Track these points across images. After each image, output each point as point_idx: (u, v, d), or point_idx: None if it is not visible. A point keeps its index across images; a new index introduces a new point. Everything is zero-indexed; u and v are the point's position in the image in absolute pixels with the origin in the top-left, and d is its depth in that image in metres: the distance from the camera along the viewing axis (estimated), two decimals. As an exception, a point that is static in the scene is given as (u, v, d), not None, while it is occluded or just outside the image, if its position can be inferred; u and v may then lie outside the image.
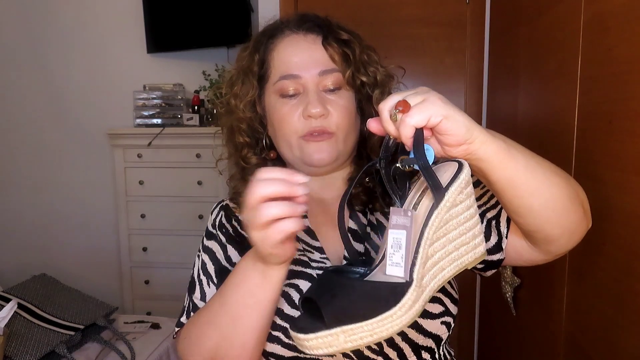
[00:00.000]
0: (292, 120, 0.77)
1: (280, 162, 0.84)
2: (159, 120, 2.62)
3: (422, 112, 0.51)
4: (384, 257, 0.54)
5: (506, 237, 0.72)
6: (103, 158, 2.86)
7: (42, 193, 2.98)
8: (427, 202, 0.55)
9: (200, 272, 0.83)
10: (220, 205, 0.90)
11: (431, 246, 0.51)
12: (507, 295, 1.39)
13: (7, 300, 1.55)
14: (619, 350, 0.82)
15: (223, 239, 0.84)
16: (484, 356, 2.09)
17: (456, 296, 0.78)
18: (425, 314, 0.73)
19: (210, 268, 0.82)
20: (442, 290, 0.75)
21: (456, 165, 0.55)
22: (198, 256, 0.85)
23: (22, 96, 2.93)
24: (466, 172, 0.54)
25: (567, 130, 1.00)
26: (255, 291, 0.63)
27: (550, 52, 1.15)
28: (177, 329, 0.80)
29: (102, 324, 1.66)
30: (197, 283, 0.82)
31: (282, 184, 0.53)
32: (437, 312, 0.74)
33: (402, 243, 0.51)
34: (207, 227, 0.88)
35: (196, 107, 2.61)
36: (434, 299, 0.74)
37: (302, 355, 0.72)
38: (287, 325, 0.71)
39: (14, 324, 1.47)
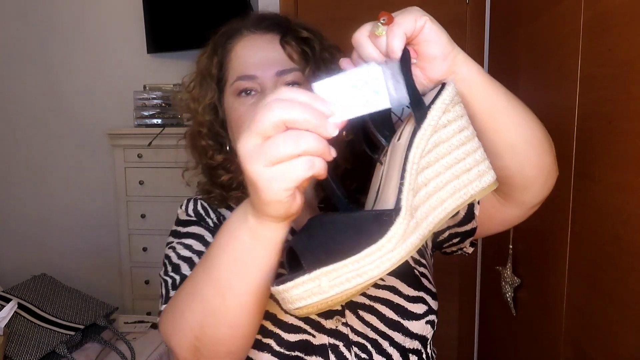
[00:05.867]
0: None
1: None
2: (159, 121, 2.62)
3: (407, 17, 0.49)
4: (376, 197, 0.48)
5: (478, 203, 0.70)
6: (103, 158, 2.86)
7: (42, 193, 2.97)
8: (409, 127, 0.48)
9: (186, 251, 0.74)
10: (189, 199, 0.86)
11: (421, 173, 0.45)
12: (507, 295, 1.39)
13: (7, 300, 1.55)
14: (619, 350, 0.82)
15: (205, 226, 0.78)
16: (484, 356, 2.09)
17: (434, 290, 0.76)
18: (410, 315, 0.72)
19: (200, 247, 0.74)
20: (422, 287, 0.75)
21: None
22: (172, 248, 0.75)
23: (23, 96, 2.93)
24: (450, 89, 0.49)
25: (567, 130, 1.00)
26: (243, 256, 0.48)
27: (550, 52, 1.15)
28: (163, 307, 0.67)
29: (102, 324, 1.66)
30: (183, 261, 0.72)
31: (311, 113, 0.40)
32: (421, 312, 0.73)
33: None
34: (177, 218, 0.82)
35: (196, 107, 2.61)
36: (416, 299, 0.73)
37: None
38: (280, 332, 0.67)
39: (14, 324, 1.47)
